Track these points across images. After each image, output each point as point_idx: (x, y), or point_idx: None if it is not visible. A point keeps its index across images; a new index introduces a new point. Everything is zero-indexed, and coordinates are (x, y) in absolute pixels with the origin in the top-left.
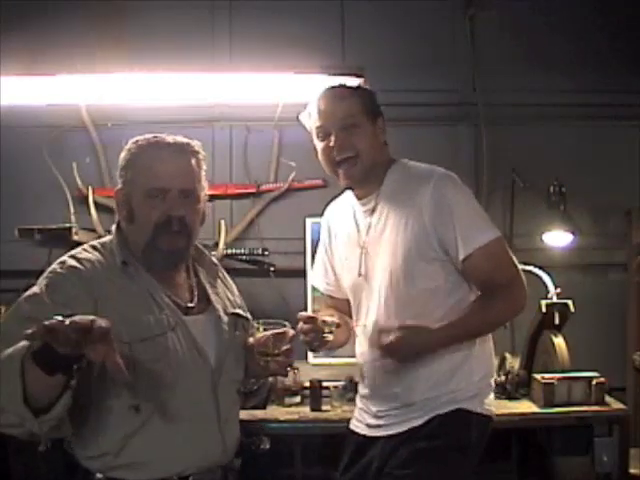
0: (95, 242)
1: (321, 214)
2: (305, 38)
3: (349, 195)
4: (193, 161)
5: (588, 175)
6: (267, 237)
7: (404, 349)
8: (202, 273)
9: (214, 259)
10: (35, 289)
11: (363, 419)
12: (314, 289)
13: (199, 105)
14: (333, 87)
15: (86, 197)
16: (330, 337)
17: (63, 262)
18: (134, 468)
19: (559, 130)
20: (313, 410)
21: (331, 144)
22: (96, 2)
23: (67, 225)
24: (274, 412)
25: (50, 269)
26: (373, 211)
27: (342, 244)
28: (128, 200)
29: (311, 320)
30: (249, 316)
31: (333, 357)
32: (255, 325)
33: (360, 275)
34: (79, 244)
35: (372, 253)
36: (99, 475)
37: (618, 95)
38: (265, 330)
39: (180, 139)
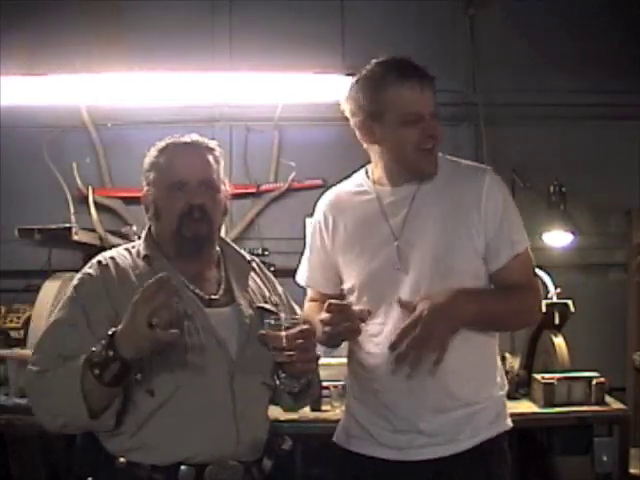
0: (128, 245)
1: None
2: (305, 38)
3: (362, 181)
4: (210, 157)
5: (588, 175)
6: (267, 237)
7: (438, 321)
8: (231, 269)
9: (248, 257)
10: (68, 294)
11: (387, 439)
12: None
13: (199, 105)
14: (413, 70)
15: (86, 197)
16: (363, 327)
17: (92, 263)
18: (147, 451)
19: (559, 130)
20: (313, 410)
21: (429, 133)
22: (96, 2)
23: (67, 225)
24: (274, 412)
25: (82, 271)
26: (413, 201)
27: (359, 234)
28: (154, 199)
29: (344, 308)
30: (278, 310)
31: (333, 357)
32: (267, 321)
33: (398, 269)
34: (79, 244)
35: (409, 243)
36: (122, 459)
37: (618, 95)
38: (276, 325)
39: (196, 137)
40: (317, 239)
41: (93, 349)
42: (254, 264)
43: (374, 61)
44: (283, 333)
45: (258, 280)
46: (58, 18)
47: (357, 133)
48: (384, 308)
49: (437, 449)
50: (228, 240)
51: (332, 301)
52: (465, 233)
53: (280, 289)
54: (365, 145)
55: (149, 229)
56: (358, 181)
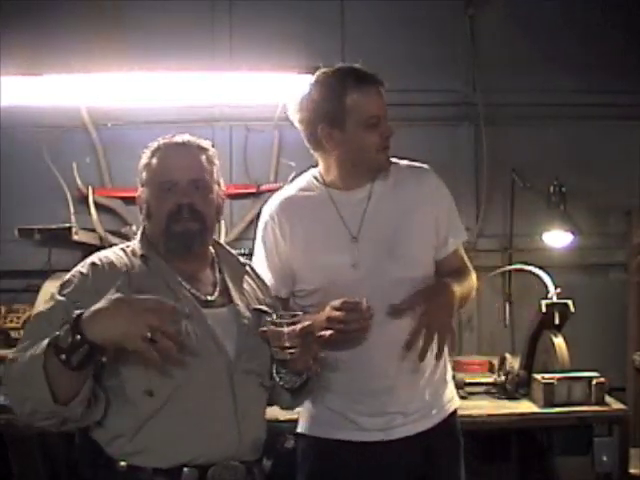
0: (123, 245)
1: None
2: (305, 38)
3: (311, 185)
4: (202, 157)
5: (588, 175)
6: None
7: (441, 313)
8: (227, 271)
9: (242, 260)
10: (55, 289)
11: (360, 423)
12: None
13: (199, 105)
14: (368, 75)
15: (86, 197)
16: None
17: (85, 262)
18: (147, 454)
19: (559, 130)
20: None
21: (384, 132)
22: (96, 2)
23: (67, 225)
24: (274, 412)
25: (75, 269)
26: (368, 200)
27: (315, 238)
28: (146, 199)
29: (357, 306)
30: (273, 312)
31: None
32: (268, 319)
33: (353, 266)
34: (79, 244)
35: (368, 242)
36: (122, 463)
37: (618, 95)
38: (277, 321)
39: (189, 138)
40: (271, 244)
41: (57, 333)
42: (248, 267)
43: (322, 71)
44: (285, 330)
45: (252, 283)
46: (58, 18)
47: (309, 140)
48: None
49: (414, 426)
50: (222, 243)
51: (346, 299)
52: (419, 227)
53: (273, 292)
54: (316, 151)
55: (144, 229)
56: (307, 185)
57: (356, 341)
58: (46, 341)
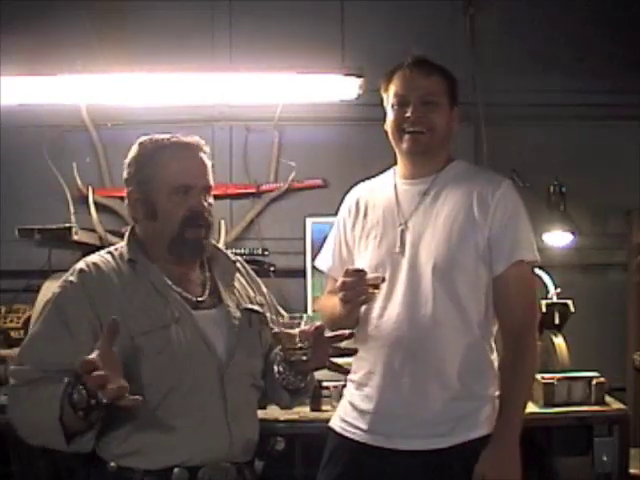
0: (111, 247)
1: (321, 214)
2: (305, 38)
3: (388, 176)
4: (206, 159)
5: (588, 175)
6: (267, 237)
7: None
8: (216, 270)
9: (232, 257)
10: (49, 305)
11: (367, 423)
12: (314, 289)
13: (199, 105)
14: (420, 60)
15: (86, 197)
16: (377, 291)
17: (73, 269)
18: (140, 456)
19: (559, 130)
20: (313, 410)
21: (407, 115)
22: (96, 2)
23: (67, 225)
24: (274, 412)
25: (63, 278)
26: (425, 194)
27: (373, 220)
28: (147, 198)
29: (357, 273)
30: (264, 310)
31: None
32: (280, 320)
33: (398, 252)
34: (79, 244)
35: (416, 233)
36: (112, 464)
37: (618, 95)
38: (288, 323)
39: (191, 138)
40: (341, 228)
41: (72, 387)
42: (238, 264)
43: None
44: (296, 331)
45: (243, 280)
46: (58, 18)
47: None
48: (386, 291)
49: (430, 441)
50: (212, 241)
51: (349, 267)
52: (469, 230)
53: (265, 289)
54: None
55: (132, 230)
56: (386, 177)
57: (357, 310)
58: (61, 391)
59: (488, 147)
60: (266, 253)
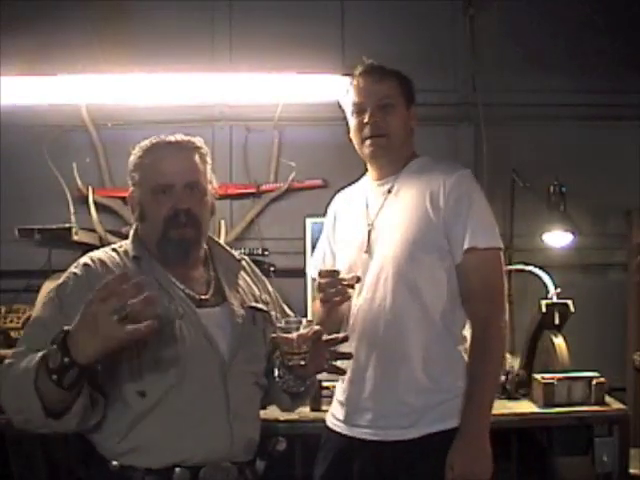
0: (115, 245)
1: (321, 214)
2: (305, 38)
3: (363, 180)
4: (196, 156)
5: (588, 175)
6: (267, 237)
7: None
8: (220, 268)
9: (237, 255)
10: (51, 293)
11: (342, 415)
12: (314, 289)
13: (199, 105)
14: (373, 66)
15: (86, 197)
16: (351, 291)
17: (77, 263)
18: (140, 453)
19: (559, 130)
20: (313, 410)
21: (365, 121)
22: (96, 2)
23: (67, 225)
24: (274, 412)
25: (67, 270)
26: (389, 192)
27: (348, 224)
28: (139, 201)
29: (331, 274)
30: (269, 309)
31: None
32: (278, 325)
33: (365, 252)
34: (79, 244)
35: (380, 232)
36: (115, 462)
37: (618, 95)
38: (287, 327)
39: (182, 137)
40: (326, 234)
41: (48, 351)
42: (244, 263)
43: None
44: (295, 335)
45: (248, 279)
46: (58, 18)
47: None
48: (358, 290)
49: (395, 432)
50: (216, 239)
51: (322, 268)
52: (423, 224)
53: (270, 288)
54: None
55: (136, 229)
56: (362, 181)
57: (336, 309)
58: (39, 356)
59: (488, 147)
60: (266, 253)
